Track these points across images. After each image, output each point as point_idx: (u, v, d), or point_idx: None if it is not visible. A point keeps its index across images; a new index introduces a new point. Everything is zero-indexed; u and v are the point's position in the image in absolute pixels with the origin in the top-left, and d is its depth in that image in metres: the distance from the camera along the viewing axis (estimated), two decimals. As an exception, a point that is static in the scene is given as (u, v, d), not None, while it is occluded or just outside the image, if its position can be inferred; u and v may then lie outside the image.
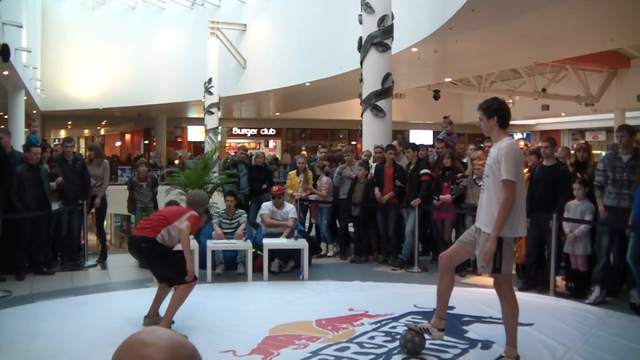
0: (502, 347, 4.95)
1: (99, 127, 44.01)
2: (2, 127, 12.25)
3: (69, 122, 39.39)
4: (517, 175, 4.67)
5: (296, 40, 20.83)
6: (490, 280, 5.36)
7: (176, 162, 21.89)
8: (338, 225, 10.31)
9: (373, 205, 9.41)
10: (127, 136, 42.40)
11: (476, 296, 7.04)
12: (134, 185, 9.80)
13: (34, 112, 26.42)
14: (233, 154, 13.25)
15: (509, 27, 12.75)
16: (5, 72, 16.36)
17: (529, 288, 7.52)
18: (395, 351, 5.12)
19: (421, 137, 33.18)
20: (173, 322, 5.83)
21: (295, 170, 10.76)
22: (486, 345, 5.32)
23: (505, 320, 4.86)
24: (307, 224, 10.85)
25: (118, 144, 43.53)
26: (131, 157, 32.34)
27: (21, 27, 14.60)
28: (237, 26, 23.55)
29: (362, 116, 11.40)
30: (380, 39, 10.93)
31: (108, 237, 10.92)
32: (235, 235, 8.54)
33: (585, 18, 12.18)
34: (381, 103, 11.03)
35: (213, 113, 22.80)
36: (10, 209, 7.88)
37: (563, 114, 27.95)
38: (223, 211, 8.91)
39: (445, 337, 5.15)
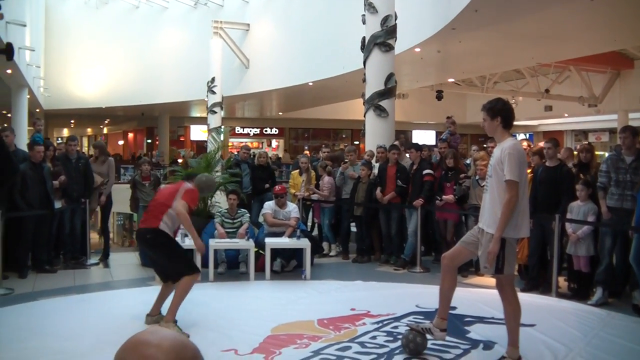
0: (504, 347, 4.94)
1: (101, 126, 44.10)
2: (6, 125, 12.26)
3: (72, 121, 39.44)
4: (520, 176, 4.66)
5: (299, 40, 20.83)
6: (492, 281, 5.36)
7: (179, 161, 21.93)
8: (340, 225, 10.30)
9: (376, 205, 9.40)
10: (130, 135, 42.48)
11: (478, 297, 7.03)
12: (137, 184, 9.80)
13: (37, 110, 26.46)
14: (236, 153, 13.25)
15: (512, 27, 12.74)
16: (9, 71, 16.39)
17: (531, 289, 7.51)
18: (397, 351, 5.12)
19: (424, 137, 33.19)
20: (176, 321, 5.84)
21: (298, 170, 10.76)
22: (488, 345, 5.31)
23: (507, 320, 4.86)
24: (309, 224, 10.85)
25: (121, 142, 43.60)
26: (135, 156, 32.41)
27: (25, 26, 14.62)
28: (240, 26, 23.55)
29: (365, 116, 11.40)
30: (383, 39, 10.92)
31: (110, 235, 10.91)
32: (237, 234, 8.55)
33: (589, 19, 12.16)
34: (384, 103, 11.02)
35: (216, 112, 22.80)
36: (13, 207, 7.90)
37: (566, 115, 27.91)
38: (225, 210, 8.91)
39: (447, 338, 5.15)
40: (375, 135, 11.00)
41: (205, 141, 22.59)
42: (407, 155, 9.63)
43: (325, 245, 10.15)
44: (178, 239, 6.89)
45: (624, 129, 7.20)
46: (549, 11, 11.33)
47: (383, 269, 9.09)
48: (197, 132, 34.23)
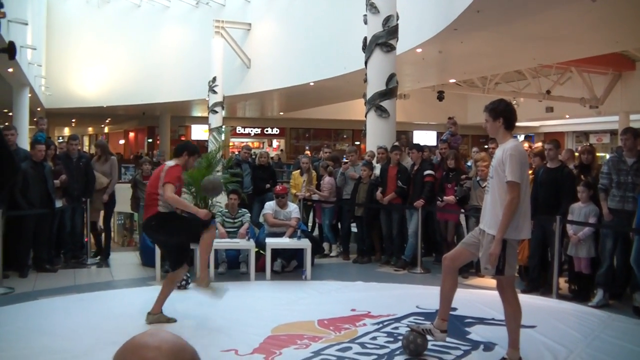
0: (504, 349, 4.94)
1: (103, 125, 44.13)
2: (7, 124, 12.27)
3: (73, 120, 39.49)
4: (521, 177, 4.66)
5: (301, 39, 20.83)
6: (493, 282, 5.35)
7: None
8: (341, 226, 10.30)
9: (377, 205, 9.40)
10: (131, 134, 42.49)
11: (479, 298, 7.02)
12: (138, 184, 9.80)
13: (39, 109, 26.45)
14: (237, 153, 13.24)
15: (514, 28, 12.75)
16: (10, 69, 16.40)
17: (532, 290, 7.51)
18: (398, 352, 5.12)
19: (425, 138, 33.20)
20: (175, 321, 5.85)
21: (299, 170, 10.76)
22: (488, 347, 5.31)
23: (507, 322, 4.85)
24: (310, 224, 10.84)
25: (122, 142, 43.62)
26: (139, 155, 32.43)
27: (26, 24, 14.62)
28: (241, 25, 23.57)
29: (366, 116, 11.39)
30: (385, 39, 10.91)
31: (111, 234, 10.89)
32: (238, 234, 8.56)
33: (591, 20, 12.16)
34: (385, 103, 11.02)
35: (217, 112, 22.82)
36: (14, 205, 7.90)
37: (567, 116, 27.92)
38: (226, 210, 8.91)
39: (448, 339, 5.15)
40: (376, 135, 10.99)
41: (206, 141, 22.58)
42: (409, 156, 9.62)
43: (325, 245, 10.14)
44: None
45: (625, 131, 7.20)
46: (551, 12, 11.33)
47: (383, 270, 9.09)
48: (198, 132, 34.25)
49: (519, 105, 23.30)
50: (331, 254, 10.05)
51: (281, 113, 33.34)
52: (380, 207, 9.38)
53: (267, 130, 37.00)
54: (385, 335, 5.63)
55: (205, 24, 23.82)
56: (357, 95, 14.32)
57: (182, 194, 8.92)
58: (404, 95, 25.23)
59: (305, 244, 8.27)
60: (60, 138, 38.43)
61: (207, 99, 23.12)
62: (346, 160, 10.32)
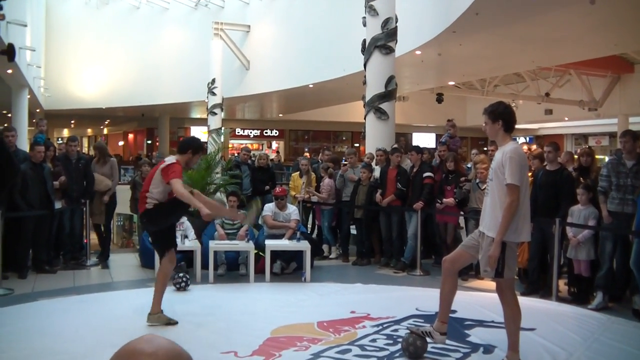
0: (504, 351, 4.94)
1: (102, 127, 44.09)
2: (7, 125, 12.26)
3: (72, 121, 39.44)
4: (521, 180, 4.67)
5: (300, 41, 20.83)
6: (492, 284, 5.35)
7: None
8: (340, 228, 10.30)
9: (376, 207, 9.40)
10: (130, 136, 42.45)
11: (478, 300, 7.02)
12: (137, 185, 9.80)
13: (38, 110, 26.44)
14: (236, 154, 13.24)
15: (513, 30, 12.76)
16: (9, 71, 16.38)
17: (531, 292, 7.51)
18: (397, 354, 5.11)
19: (424, 140, 33.21)
20: (176, 323, 5.86)
21: (298, 172, 10.76)
22: (488, 349, 5.31)
23: (507, 324, 4.86)
24: (309, 226, 10.84)
25: (121, 143, 43.58)
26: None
27: (25, 25, 14.61)
28: (240, 27, 23.56)
29: (365, 118, 11.40)
30: (384, 41, 10.92)
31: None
32: (237, 236, 8.56)
33: (590, 23, 12.17)
34: (384, 106, 11.03)
35: (216, 114, 22.79)
36: (13, 207, 7.89)
37: (566, 119, 27.94)
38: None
39: (447, 341, 5.15)
40: (376, 137, 11.00)
41: (206, 142, 22.59)
42: (408, 158, 9.62)
43: (325, 247, 10.14)
44: (178, 240, 6.89)
45: (624, 133, 7.21)
46: (550, 15, 11.34)
47: (383, 272, 9.09)
48: (198, 134, 34.14)
49: (517, 108, 23.35)
50: (330, 256, 10.05)
51: (280, 115, 33.33)
52: (379, 209, 9.38)
53: (266, 132, 36.97)
54: (385, 337, 5.63)
55: (204, 26, 23.81)
56: (357, 97, 14.34)
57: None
58: (403, 97, 25.25)
59: (304, 245, 8.27)
60: (60, 139, 38.41)
61: (206, 100, 23.10)
62: (345, 163, 10.31)
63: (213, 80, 22.63)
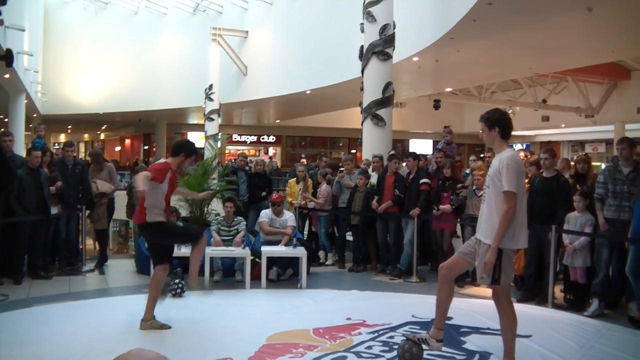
0: (499, 358, 4.94)
1: (99, 132, 44.10)
2: (4, 130, 12.24)
3: (69, 126, 39.46)
4: (518, 187, 4.66)
5: (297, 47, 20.88)
6: (488, 291, 5.35)
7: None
8: (337, 234, 10.29)
9: (373, 214, 9.39)
10: (127, 141, 42.46)
11: (474, 307, 7.01)
12: (133, 191, 9.79)
13: (35, 115, 26.45)
14: (233, 160, 13.23)
15: (510, 37, 12.80)
16: (7, 76, 16.40)
17: (528, 299, 7.50)
18: (393, 361, 5.11)
19: (421, 146, 33.25)
20: (169, 327, 5.85)
21: (295, 178, 10.76)
22: (484, 356, 5.29)
23: (503, 331, 4.85)
24: (306, 232, 10.82)
25: (118, 148, 43.59)
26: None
27: (23, 30, 14.63)
28: (238, 33, 23.61)
29: (362, 125, 11.40)
30: (381, 47, 10.94)
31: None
32: (233, 242, 8.54)
33: (587, 30, 12.21)
34: (381, 112, 11.04)
35: (213, 119, 22.83)
36: (9, 212, 7.87)
37: (563, 125, 28.02)
38: (222, 218, 8.90)
39: (443, 348, 5.13)
40: (373, 144, 11.00)
41: (203, 148, 22.59)
42: (404, 164, 9.62)
43: (321, 254, 10.12)
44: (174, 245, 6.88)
45: (621, 141, 7.21)
46: (547, 22, 11.38)
47: (379, 279, 9.08)
48: (195, 139, 34.09)
49: (514, 114, 23.41)
50: (327, 263, 10.03)
51: (277, 121, 33.37)
52: (376, 216, 9.37)
53: (263, 138, 37.01)
54: (381, 344, 5.61)
55: (202, 32, 23.86)
56: (354, 104, 14.31)
57: (178, 209, 9.00)
58: (401, 103, 25.27)
59: (300, 252, 8.25)
60: (56, 144, 38.39)
61: (204, 106, 23.13)
62: (342, 169, 10.31)
63: (210, 86, 22.67)
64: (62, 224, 8.90)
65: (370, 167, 10.14)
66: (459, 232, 9.52)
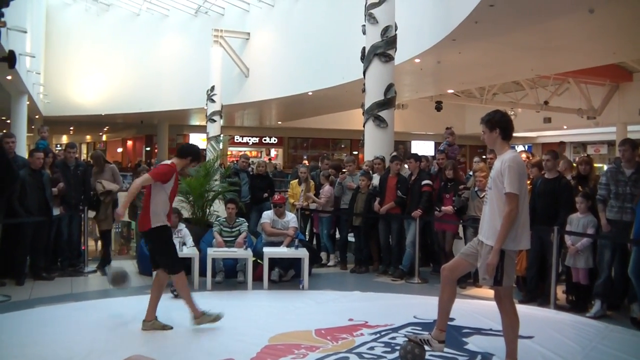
0: (501, 359, 4.94)
1: (101, 133, 44.14)
2: (6, 131, 12.28)
3: (71, 128, 39.49)
4: (520, 188, 4.67)
5: (299, 49, 20.88)
6: (490, 292, 5.35)
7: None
8: (338, 235, 10.29)
9: (375, 215, 9.39)
10: (129, 143, 42.50)
11: (476, 308, 7.01)
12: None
13: (37, 117, 26.48)
14: (235, 162, 13.23)
15: (512, 39, 12.80)
16: (9, 77, 16.41)
17: (530, 300, 7.50)
18: (395, 362, 5.11)
19: (423, 148, 33.25)
20: (171, 328, 5.89)
21: (297, 180, 10.76)
22: (486, 357, 5.29)
23: (505, 332, 4.85)
24: (307, 234, 10.81)
25: (120, 150, 43.62)
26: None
27: (25, 32, 14.64)
28: (240, 34, 23.62)
29: (364, 126, 11.41)
30: (383, 49, 10.95)
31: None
32: (235, 243, 8.54)
33: (588, 31, 12.21)
34: (383, 113, 11.04)
35: (215, 121, 22.83)
36: (11, 213, 7.88)
37: (565, 127, 27.99)
38: (224, 219, 8.90)
39: (445, 349, 5.13)
40: (375, 145, 11.01)
41: (204, 150, 22.63)
42: (406, 165, 9.62)
43: (323, 255, 10.12)
44: (176, 247, 6.88)
45: (623, 142, 7.21)
46: (549, 24, 11.39)
47: (381, 280, 9.07)
48: (196, 141, 34.18)
49: (516, 116, 23.42)
50: (329, 264, 10.03)
51: (279, 122, 33.37)
52: (378, 217, 9.37)
53: (265, 140, 37.01)
54: (383, 345, 5.62)
55: (204, 33, 23.87)
56: (356, 105, 14.33)
57: (180, 210, 8.99)
58: (402, 105, 25.32)
59: (302, 253, 8.26)
60: (58, 146, 38.43)
61: (205, 107, 23.14)
62: (344, 170, 10.31)
63: (212, 88, 22.67)
64: (64, 225, 8.91)
65: (373, 168, 10.15)
66: (460, 234, 9.51)
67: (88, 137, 47.60)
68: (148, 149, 37.91)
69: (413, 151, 18.55)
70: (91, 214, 9.66)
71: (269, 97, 22.82)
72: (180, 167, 6.14)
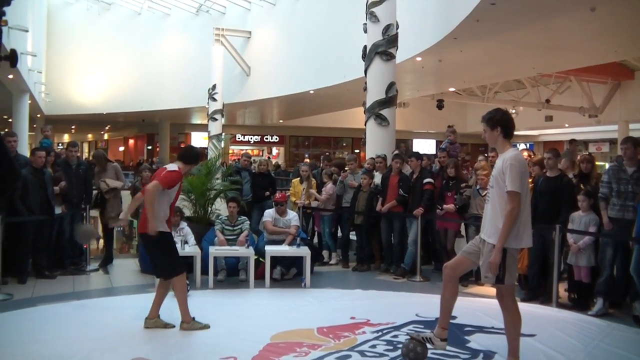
0: (503, 357, 4.94)
1: (102, 132, 44.18)
2: (7, 130, 12.29)
3: (73, 127, 39.54)
4: (522, 187, 4.67)
5: (301, 48, 20.89)
6: (492, 290, 5.35)
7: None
8: (340, 234, 10.29)
9: (377, 214, 9.39)
10: (131, 141, 42.53)
11: (478, 306, 7.01)
12: (137, 191, 9.79)
13: (38, 115, 26.51)
14: (237, 160, 13.23)
15: (514, 37, 12.79)
16: (10, 76, 16.43)
17: (532, 299, 7.49)
18: (397, 360, 5.12)
19: (424, 146, 33.25)
20: (173, 326, 5.97)
21: (298, 178, 10.76)
22: (488, 355, 5.29)
23: (507, 330, 4.85)
24: (309, 232, 10.82)
25: (121, 149, 43.65)
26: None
27: (27, 31, 14.65)
28: (241, 33, 23.63)
29: (365, 125, 11.40)
30: (384, 47, 10.94)
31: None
32: (237, 241, 8.54)
33: (590, 30, 12.20)
34: (385, 112, 11.03)
35: (217, 119, 22.85)
36: (13, 212, 7.89)
37: (566, 125, 27.98)
38: (226, 218, 8.91)
39: (447, 347, 5.13)
40: (376, 144, 11.00)
41: (206, 148, 22.64)
42: (408, 164, 9.61)
43: (325, 253, 10.13)
44: (178, 246, 6.88)
45: (625, 140, 7.21)
46: (551, 22, 11.38)
47: (383, 278, 9.07)
48: (198, 139, 34.26)
49: (518, 114, 23.41)
50: (330, 262, 10.03)
51: (281, 121, 33.38)
52: (380, 215, 9.37)
53: (266, 138, 37.03)
54: (385, 343, 5.62)
55: (205, 32, 23.89)
56: (357, 104, 14.35)
57: (182, 209, 8.98)
58: (404, 103, 25.30)
59: (304, 251, 8.26)
60: (60, 144, 38.46)
61: (207, 106, 23.15)
62: (346, 169, 10.31)
63: (214, 86, 22.69)
64: (66, 224, 8.91)
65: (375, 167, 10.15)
66: (462, 232, 9.51)
67: (90, 135, 47.67)
68: (150, 147, 37.95)
69: (414, 150, 18.54)
70: (95, 212, 9.66)
71: (271, 95, 22.83)
72: (184, 172, 6.17)
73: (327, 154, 17.44)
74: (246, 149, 33.00)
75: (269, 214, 9.01)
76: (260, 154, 35.85)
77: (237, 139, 36.27)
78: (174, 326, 5.97)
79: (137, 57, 26.85)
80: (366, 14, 11.21)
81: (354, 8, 14.84)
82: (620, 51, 15.59)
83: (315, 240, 10.51)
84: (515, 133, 5.01)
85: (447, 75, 19.36)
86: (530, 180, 6.98)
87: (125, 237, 12.68)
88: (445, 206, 8.71)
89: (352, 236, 10.14)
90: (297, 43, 21.18)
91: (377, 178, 9.73)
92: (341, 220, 10.11)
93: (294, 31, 21.41)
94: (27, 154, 11.70)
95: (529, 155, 9.98)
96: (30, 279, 8.25)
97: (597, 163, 9.70)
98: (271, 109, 28.79)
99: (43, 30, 24.77)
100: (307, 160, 28.20)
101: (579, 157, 8.56)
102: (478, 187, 8.38)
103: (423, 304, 7.12)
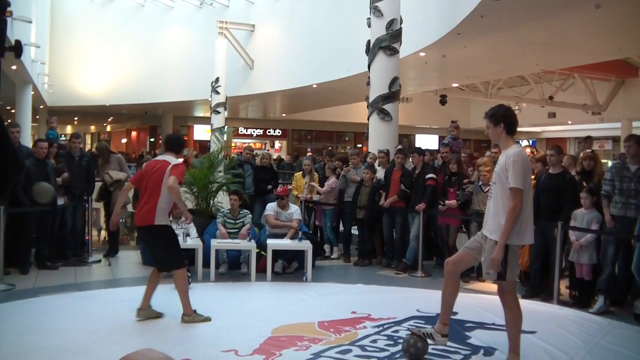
0: (504, 354, 4.94)
1: (105, 124, 44.18)
2: (10, 121, 12.30)
3: (76, 118, 39.52)
4: (524, 183, 4.66)
5: (304, 41, 20.86)
6: (493, 287, 5.36)
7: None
8: (342, 228, 10.29)
9: (379, 208, 9.39)
10: (133, 133, 42.53)
11: (479, 302, 7.02)
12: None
13: (41, 107, 26.51)
14: (239, 153, 13.23)
15: (518, 34, 12.76)
16: (14, 67, 16.41)
17: (533, 295, 7.50)
18: (398, 355, 5.11)
19: (427, 141, 33.22)
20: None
21: (301, 172, 10.76)
22: (489, 352, 5.30)
23: (508, 327, 4.85)
24: (311, 226, 10.82)
25: (124, 141, 43.66)
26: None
27: (30, 22, 14.64)
28: (245, 26, 23.60)
29: (368, 119, 11.40)
30: (388, 42, 10.93)
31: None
32: (239, 235, 8.55)
33: (594, 27, 12.17)
34: (388, 107, 11.03)
35: (219, 112, 22.84)
36: (16, 203, 7.90)
37: (569, 122, 27.93)
38: (227, 211, 8.91)
39: (448, 343, 5.14)
40: (379, 138, 11.00)
41: (209, 141, 22.63)
42: (411, 159, 9.60)
43: (326, 247, 10.13)
44: (180, 238, 6.89)
45: (628, 138, 7.19)
46: (555, 19, 11.34)
47: (384, 273, 9.08)
48: (201, 132, 34.29)
49: (521, 111, 23.37)
50: (332, 256, 10.04)
51: (283, 114, 33.36)
52: (382, 210, 9.37)
53: (269, 132, 37.00)
54: (386, 338, 5.63)
55: (208, 25, 23.86)
56: (360, 98, 14.31)
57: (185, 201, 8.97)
58: (407, 98, 25.28)
59: (306, 245, 8.27)
60: (63, 136, 38.47)
61: (210, 99, 23.14)
62: (349, 163, 10.30)
63: (217, 79, 22.68)
64: (69, 215, 8.93)
65: (377, 161, 10.14)
66: (464, 228, 9.51)
67: (92, 127, 47.67)
68: (152, 139, 37.95)
69: (417, 145, 18.55)
70: (97, 204, 9.66)
71: (274, 89, 22.81)
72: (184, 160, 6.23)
73: (329, 148, 17.39)
74: (249, 142, 32.97)
75: (271, 207, 9.01)
76: (263, 147, 35.84)
77: (239, 132, 36.24)
78: (163, 314, 6.07)
79: (140, 49, 26.83)
80: (370, 8, 11.20)
81: (357, 2, 14.80)
82: (625, 49, 15.56)
83: (317, 234, 10.51)
84: (518, 129, 5.01)
85: (451, 70, 19.33)
86: (532, 177, 6.98)
87: (127, 228, 12.69)
88: (447, 202, 8.71)
89: (354, 231, 10.15)
90: (300, 37, 21.14)
91: (380, 173, 9.73)
92: (343, 214, 10.11)
93: (298, 25, 21.37)
94: (30, 145, 11.70)
95: (532, 152, 9.98)
96: (33, 269, 8.28)
97: (600, 160, 9.68)
98: (274, 102, 28.76)
99: (46, 22, 24.76)
100: (309, 154, 28.23)
101: (581, 155, 8.54)
102: (480, 183, 8.38)
103: (424, 299, 7.13)
